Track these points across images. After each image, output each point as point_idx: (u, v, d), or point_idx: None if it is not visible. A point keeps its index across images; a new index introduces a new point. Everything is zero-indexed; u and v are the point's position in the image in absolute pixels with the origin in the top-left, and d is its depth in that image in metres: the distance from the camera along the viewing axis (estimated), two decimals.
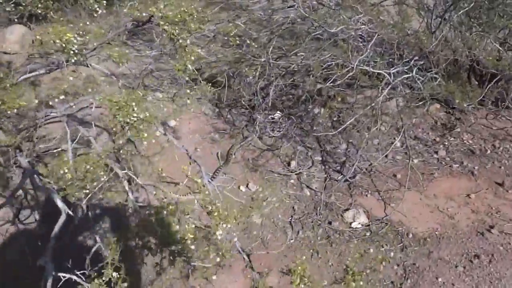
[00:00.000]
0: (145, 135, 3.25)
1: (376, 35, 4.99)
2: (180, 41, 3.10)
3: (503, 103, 5.99)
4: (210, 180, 4.47)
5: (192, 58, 3.26)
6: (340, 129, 5.22)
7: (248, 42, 5.62)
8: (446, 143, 5.74)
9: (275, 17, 5.98)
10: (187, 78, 5.98)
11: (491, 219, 4.64)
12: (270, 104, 5.84)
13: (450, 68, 6.08)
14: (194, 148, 5.50)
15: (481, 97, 5.69)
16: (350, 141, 5.75)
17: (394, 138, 5.82)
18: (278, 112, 6.08)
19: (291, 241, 4.48)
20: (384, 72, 4.91)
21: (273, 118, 6.04)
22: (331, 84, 5.03)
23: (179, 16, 3.06)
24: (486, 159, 5.45)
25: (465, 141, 5.74)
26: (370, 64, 5.18)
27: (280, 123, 5.94)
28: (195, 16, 3.11)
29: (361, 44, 5.35)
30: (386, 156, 5.55)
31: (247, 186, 5.06)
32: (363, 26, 5.07)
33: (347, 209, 4.80)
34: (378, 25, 5.10)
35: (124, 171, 4.26)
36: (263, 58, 5.68)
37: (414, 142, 5.82)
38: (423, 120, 6.16)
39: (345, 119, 5.89)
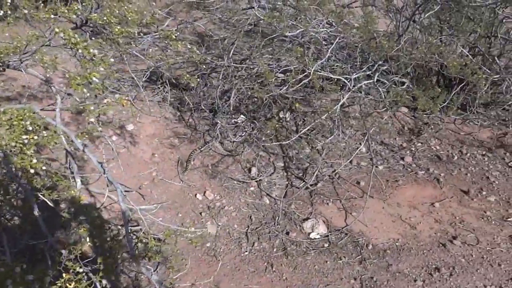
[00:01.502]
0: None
1: (337, 39, 4.80)
2: (80, 50, 2.75)
3: (471, 108, 5.84)
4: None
5: (102, 69, 2.92)
6: (300, 133, 5.01)
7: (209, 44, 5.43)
8: (413, 149, 5.58)
9: (237, 17, 5.78)
10: (142, 82, 5.81)
11: (454, 229, 4.49)
12: (232, 108, 5.63)
13: (419, 72, 5.93)
14: (151, 154, 5.27)
15: (446, 102, 5.56)
16: (314, 146, 5.55)
17: (360, 143, 5.64)
18: (242, 116, 5.88)
19: (246, 253, 4.27)
20: (343, 77, 4.73)
21: (236, 122, 5.84)
22: (286, 89, 4.84)
23: (104, 18, 2.81)
24: (452, 165, 5.30)
25: (432, 147, 5.60)
26: (333, 69, 5.00)
27: (243, 127, 5.73)
28: (130, 19, 2.86)
29: (325, 48, 5.16)
30: (350, 162, 5.38)
31: (204, 194, 4.83)
32: (323, 30, 4.89)
33: (306, 219, 4.60)
34: (343, 28, 4.91)
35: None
36: (225, 60, 5.49)
37: (380, 147, 5.66)
38: (390, 125, 5.98)
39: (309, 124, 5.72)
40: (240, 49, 5.95)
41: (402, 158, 5.46)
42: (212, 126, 5.66)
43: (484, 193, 4.91)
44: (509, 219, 4.58)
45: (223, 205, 4.77)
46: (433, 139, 5.71)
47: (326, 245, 4.36)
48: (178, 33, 4.12)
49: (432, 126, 5.89)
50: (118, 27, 2.94)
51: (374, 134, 5.82)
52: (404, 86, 5.66)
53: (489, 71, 5.21)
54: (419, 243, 4.36)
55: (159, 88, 6.10)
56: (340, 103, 4.58)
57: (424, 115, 6.00)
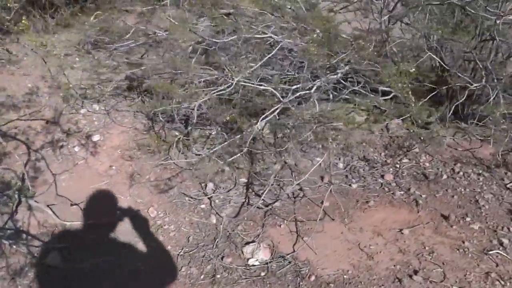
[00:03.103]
0: None
1: (279, 45, 4.28)
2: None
3: (472, 120, 5.10)
4: None
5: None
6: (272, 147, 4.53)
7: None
8: (398, 165, 4.93)
9: None
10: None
11: (419, 262, 3.82)
12: (204, 119, 5.26)
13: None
14: (109, 166, 4.97)
15: (449, 113, 4.87)
16: (287, 161, 5.03)
17: (339, 158, 5.07)
18: (216, 127, 5.47)
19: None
20: (272, 88, 4.18)
21: (210, 134, 5.44)
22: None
23: None
24: (439, 186, 4.60)
25: (420, 164, 4.92)
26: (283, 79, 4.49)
27: (215, 139, 5.33)
28: None
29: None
30: (322, 179, 4.81)
31: (147, 210, 4.46)
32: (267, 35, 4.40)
33: (250, 242, 4.10)
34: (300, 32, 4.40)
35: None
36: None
37: (362, 163, 5.04)
38: (379, 138, 5.35)
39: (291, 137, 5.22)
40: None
41: (382, 176, 4.83)
42: (181, 138, 5.28)
43: (467, 219, 4.19)
44: (490, 252, 3.84)
45: (163, 224, 4.38)
46: (424, 155, 5.02)
47: (263, 273, 3.84)
48: None
49: (427, 140, 5.16)
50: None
51: (357, 148, 5.20)
52: (389, 96, 5.02)
53: (469, 80, 4.49)
54: (371, 276, 3.74)
55: (137, 97, 5.84)
56: (261, 119, 3.99)
57: (419, 128, 5.29)
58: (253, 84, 3.95)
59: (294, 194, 4.63)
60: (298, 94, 4.19)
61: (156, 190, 4.69)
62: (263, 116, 3.82)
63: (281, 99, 3.96)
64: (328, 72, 4.61)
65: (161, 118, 5.32)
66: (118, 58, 6.24)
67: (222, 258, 3.97)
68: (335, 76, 4.34)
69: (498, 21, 4.27)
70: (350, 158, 5.10)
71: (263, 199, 4.57)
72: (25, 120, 5.37)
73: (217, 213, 4.47)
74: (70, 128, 5.31)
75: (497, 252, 3.79)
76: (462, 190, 4.52)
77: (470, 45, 4.68)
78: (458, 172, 4.73)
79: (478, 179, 4.64)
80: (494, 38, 4.58)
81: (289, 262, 3.90)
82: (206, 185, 4.76)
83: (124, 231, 4.27)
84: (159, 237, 4.22)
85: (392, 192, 4.59)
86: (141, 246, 4.10)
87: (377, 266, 3.81)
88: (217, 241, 4.13)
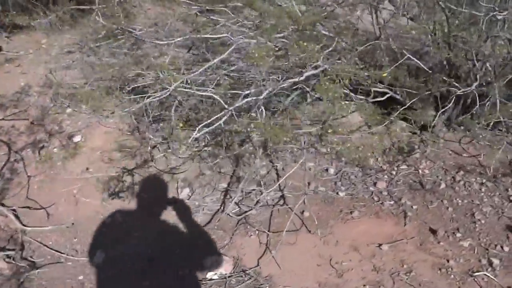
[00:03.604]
0: None
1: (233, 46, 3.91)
2: None
3: (478, 124, 4.55)
4: None
5: None
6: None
7: None
8: (394, 172, 4.46)
9: None
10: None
11: (392, 282, 3.39)
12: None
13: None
14: (86, 168, 4.78)
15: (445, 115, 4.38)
16: (276, 164, 4.67)
17: (331, 163, 4.66)
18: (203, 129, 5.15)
19: None
20: (213, 93, 3.80)
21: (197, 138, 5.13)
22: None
23: None
24: (435, 196, 4.12)
25: (419, 171, 4.43)
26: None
27: (202, 141, 5.04)
28: None
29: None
30: (308, 185, 4.42)
31: (113, 216, 4.22)
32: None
33: (213, 253, 3.77)
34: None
35: None
36: None
37: (355, 169, 4.60)
38: (378, 142, 4.87)
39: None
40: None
41: (375, 184, 4.38)
42: (165, 140, 5.02)
43: (458, 235, 3.70)
44: (476, 274, 3.34)
45: (129, 228, 4.12)
46: (425, 161, 4.53)
47: None
48: None
49: (430, 145, 4.66)
50: None
51: (353, 152, 4.75)
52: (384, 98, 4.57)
53: (457, 85, 3.98)
54: None
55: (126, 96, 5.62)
56: (198, 128, 3.59)
57: (423, 131, 4.79)
58: (192, 89, 3.59)
59: (274, 202, 4.23)
60: (245, 100, 3.79)
61: (130, 196, 4.42)
62: (202, 124, 3.46)
63: (225, 105, 3.58)
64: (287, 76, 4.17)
65: (146, 119, 5.07)
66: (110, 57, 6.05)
67: (177, 271, 3.63)
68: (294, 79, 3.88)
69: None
70: (343, 163, 4.65)
71: (239, 207, 4.22)
72: (9, 120, 5.26)
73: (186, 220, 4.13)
74: (52, 129, 5.15)
75: (484, 274, 3.30)
76: (460, 201, 4.01)
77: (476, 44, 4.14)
78: (459, 181, 4.21)
79: (480, 189, 4.11)
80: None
81: (250, 277, 3.54)
82: (181, 190, 4.43)
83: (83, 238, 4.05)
84: (121, 246, 3.93)
85: (381, 201, 4.14)
86: None
87: (345, 285, 3.39)
88: (177, 251, 3.80)
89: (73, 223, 4.22)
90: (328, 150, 4.82)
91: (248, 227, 4.04)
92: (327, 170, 4.63)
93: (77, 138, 5.10)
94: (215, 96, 3.54)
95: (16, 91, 5.69)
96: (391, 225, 3.88)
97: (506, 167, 4.28)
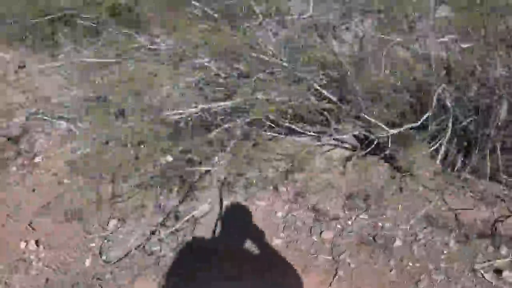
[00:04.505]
0: None
1: None
2: None
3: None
4: None
5: None
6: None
7: None
8: (350, 222, 3.72)
9: None
10: None
11: None
12: None
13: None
14: (31, 190, 4.53)
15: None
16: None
17: (285, 206, 4.01)
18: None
19: None
20: None
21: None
22: None
23: None
24: (384, 254, 3.38)
25: (380, 222, 3.61)
26: None
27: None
28: None
29: None
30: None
31: (27, 243, 3.88)
32: None
33: None
34: None
35: None
36: None
37: (308, 214, 3.89)
38: (348, 183, 4.15)
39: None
40: None
41: (321, 233, 3.62)
42: None
43: None
44: None
45: (38, 260, 3.72)
46: (391, 211, 3.70)
47: None
48: None
49: (405, 192, 3.84)
50: None
51: (315, 195, 4.08)
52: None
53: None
54: None
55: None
56: None
57: (405, 175, 3.98)
58: None
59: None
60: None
61: (58, 220, 4.06)
62: None
63: None
64: None
65: None
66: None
67: None
68: None
69: None
70: (297, 205, 3.96)
71: (160, 245, 3.69)
72: None
73: (100, 253, 3.67)
74: (23, 147, 5.00)
75: None
76: (410, 264, 3.18)
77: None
78: (420, 240, 3.35)
79: (442, 251, 3.21)
80: None
81: None
82: (109, 221, 3.99)
83: None
84: (22, 275, 3.54)
85: (316, 254, 3.37)
86: None
87: None
88: None
89: None
90: (288, 189, 4.12)
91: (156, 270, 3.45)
92: (276, 212, 3.94)
93: (38, 159, 4.88)
94: None
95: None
96: (314, 284, 3.10)
97: (487, 227, 3.31)
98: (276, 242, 3.61)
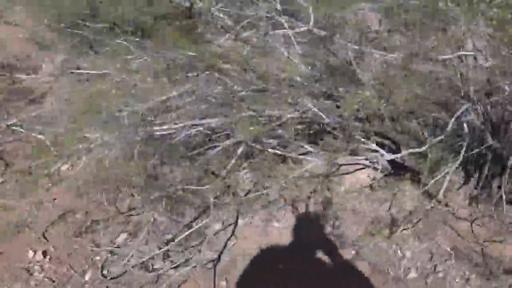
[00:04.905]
0: None
1: None
2: None
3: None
4: None
5: None
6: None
7: None
8: (367, 248, 3.45)
9: None
10: None
11: None
12: None
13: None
14: None
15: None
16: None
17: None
18: None
19: None
20: None
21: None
22: None
23: None
24: (396, 285, 3.06)
25: (398, 251, 3.35)
26: None
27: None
28: None
29: None
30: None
31: (34, 253, 3.92)
32: None
33: None
34: None
35: None
36: None
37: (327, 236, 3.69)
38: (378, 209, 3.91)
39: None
40: None
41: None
42: None
43: None
44: None
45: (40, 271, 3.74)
46: (413, 240, 3.43)
47: None
48: None
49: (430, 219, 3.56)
50: None
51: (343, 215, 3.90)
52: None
53: None
54: None
55: None
56: None
57: (432, 201, 3.68)
58: None
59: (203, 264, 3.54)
60: None
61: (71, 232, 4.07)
62: None
63: None
64: None
65: None
66: None
67: None
68: None
69: None
70: (316, 228, 3.77)
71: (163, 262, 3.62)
72: None
73: (102, 266, 3.64)
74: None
75: None
76: None
77: None
78: (438, 272, 3.03)
79: (464, 286, 2.89)
80: None
81: None
82: (119, 235, 3.97)
83: None
84: None
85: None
86: None
87: None
88: None
89: None
90: (308, 210, 3.95)
91: None
92: (292, 234, 3.76)
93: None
94: None
95: None
96: None
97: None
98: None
